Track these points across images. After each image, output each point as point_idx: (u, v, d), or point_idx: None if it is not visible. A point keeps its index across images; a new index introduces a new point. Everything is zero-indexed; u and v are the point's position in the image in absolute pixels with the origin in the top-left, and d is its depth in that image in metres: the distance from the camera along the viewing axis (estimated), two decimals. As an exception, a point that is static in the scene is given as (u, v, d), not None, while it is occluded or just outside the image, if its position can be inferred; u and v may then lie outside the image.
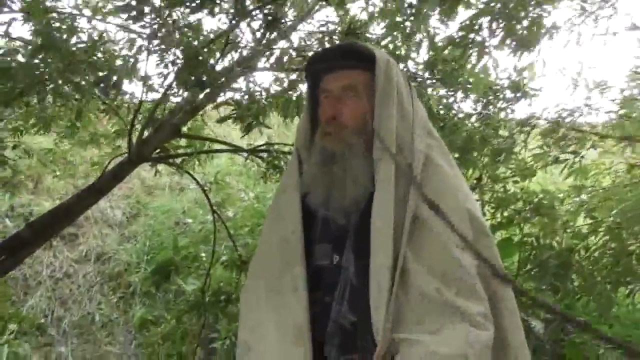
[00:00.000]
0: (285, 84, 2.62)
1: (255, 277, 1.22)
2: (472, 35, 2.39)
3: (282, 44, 2.55)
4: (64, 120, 3.47)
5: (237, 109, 2.32)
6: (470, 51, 2.71)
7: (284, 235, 1.17)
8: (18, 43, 2.77)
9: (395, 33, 2.60)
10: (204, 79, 1.80)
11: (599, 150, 3.95)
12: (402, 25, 2.45)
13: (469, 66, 2.75)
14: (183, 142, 3.38)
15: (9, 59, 2.48)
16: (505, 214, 3.43)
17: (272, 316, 1.10)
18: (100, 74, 2.39)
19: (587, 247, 3.32)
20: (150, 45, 2.51)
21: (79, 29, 2.54)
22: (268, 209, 1.43)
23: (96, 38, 2.57)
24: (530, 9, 2.45)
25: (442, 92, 3.28)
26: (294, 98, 2.57)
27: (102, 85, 2.10)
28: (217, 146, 3.32)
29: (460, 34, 2.43)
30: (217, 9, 1.97)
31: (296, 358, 1.02)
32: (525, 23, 2.32)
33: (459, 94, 3.28)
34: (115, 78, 2.07)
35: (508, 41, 2.41)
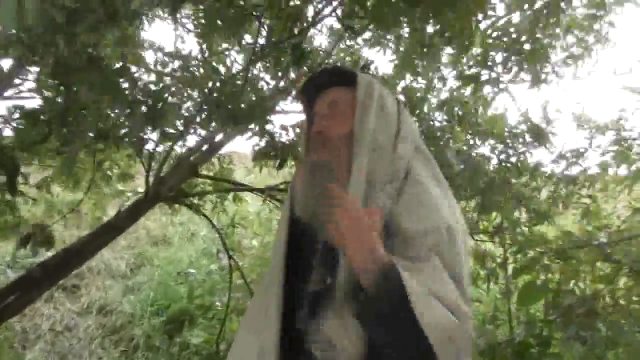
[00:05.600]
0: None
1: (253, 300, 1.27)
2: (485, 72, 2.42)
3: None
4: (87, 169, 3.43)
5: (271, 141, 2.30)
6: (484, 88, 2.74)
7: (274, 256, 1.17)
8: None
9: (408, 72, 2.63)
10: (233, 110, 1.79)
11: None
12: (415, 62, 2.49)
13: (485, 109, 2.78)
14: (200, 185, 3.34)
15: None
16: (528, 257, 3.33)
17: (251, 338, 1.11)
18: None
19: (612, 292, 3.19)
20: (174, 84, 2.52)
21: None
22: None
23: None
24: (538, 35, 2.48)
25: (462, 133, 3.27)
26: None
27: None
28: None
29: (472, 70, 2.46)
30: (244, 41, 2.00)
31: None
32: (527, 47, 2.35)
33: (477, 139, 3.28)
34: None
35: (522, 75, 2.44)
